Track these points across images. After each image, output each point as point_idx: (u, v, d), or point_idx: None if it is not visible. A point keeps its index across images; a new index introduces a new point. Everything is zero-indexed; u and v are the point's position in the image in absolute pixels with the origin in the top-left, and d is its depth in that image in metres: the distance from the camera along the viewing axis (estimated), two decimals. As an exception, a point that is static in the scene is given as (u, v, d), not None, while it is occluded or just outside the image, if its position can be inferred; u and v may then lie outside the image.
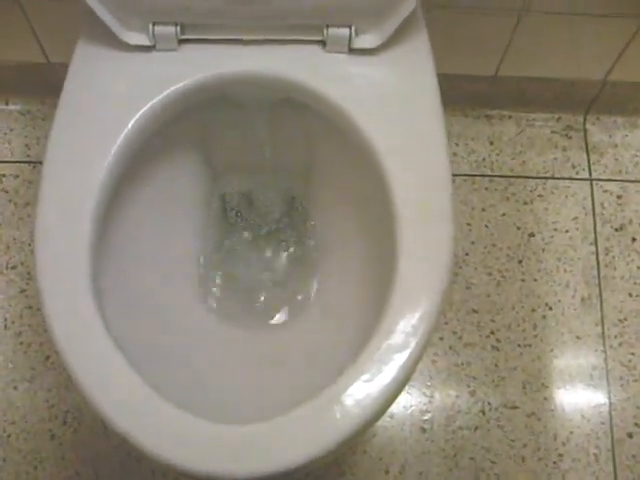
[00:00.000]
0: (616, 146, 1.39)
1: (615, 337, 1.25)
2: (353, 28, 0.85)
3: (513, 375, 1.21)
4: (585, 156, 1.38)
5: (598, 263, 1.29)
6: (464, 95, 1.35)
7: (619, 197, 1.35)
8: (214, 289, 1.03)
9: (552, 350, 1.23)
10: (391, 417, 1.18)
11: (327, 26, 0.85)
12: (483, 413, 1.19)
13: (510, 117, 1.39)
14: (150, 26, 0.85)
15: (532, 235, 1.31)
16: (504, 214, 1.32)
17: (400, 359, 0.71)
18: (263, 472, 0.66)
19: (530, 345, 1.23)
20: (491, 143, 1.38)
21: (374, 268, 0.89)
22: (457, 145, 1.37)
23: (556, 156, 1.37)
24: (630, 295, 1.28)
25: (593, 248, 1.30)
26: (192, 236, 1.03)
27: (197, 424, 0.68)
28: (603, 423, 1.19)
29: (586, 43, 1.22)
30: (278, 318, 1.03)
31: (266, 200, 1.10)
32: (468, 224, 1.31)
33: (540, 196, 1.34)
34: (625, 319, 1.26)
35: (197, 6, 0.83)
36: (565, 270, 1.29)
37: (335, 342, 0.90)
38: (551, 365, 1.22)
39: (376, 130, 0.82)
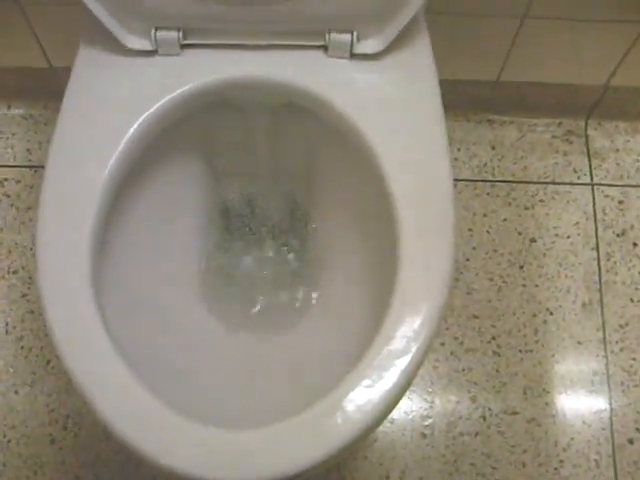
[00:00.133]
0: (618, 151, 1.39)
1: (616, 342, 1.24)
2: (355, 33, 0.85)
3: (514, 381, 1.21)
4: (587, 161, 1.38)
5: (599, 268, 1.29)
6: (466, 100, 1.35)
7: (620, 202, 1.35)
8: (215, 293, 1.03)
9: (553, 355, 1.23)
10: (392, 422, 1.18)
11: (329, 31, 0.85)
12: (484, 419, 1.19)
13: (512, 122, 1.40)
14: (152, 31, 0.85)
15: (533, 240, 1.31)
16: (505, 219, 1.32)
17: (401, 364, 0.71)
18: (264, 478, 0.66)
19: (531, 350, 1.23)
20: (493, 148, 1.38)
21: (375, 273, 0.89)
22: (459, 150, 1.37)
23: (558, 161, 1.37)
24: (631, 300, 1.27)
25: (594, 253, 1.30)
26: (193, 240, 1.03)
27: (197, 429, 0.68)
28: (604, 429, 1.19)
29: (587, 48, 1.22)
30: (278, 322, 1.03)
31: (267, 204, 1.10)
32: (469, 229, 1.31)
33: (541, 201, 1.34)
34: (626, 324, 1.26)
35: (199, 11, 0.83)
36: (566, 275, 1.29)
37: (336, 347, 0.90)
38: (552, 371, 1.22)
39: (377, 135, 0.82)
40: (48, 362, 1.20)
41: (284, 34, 0.86)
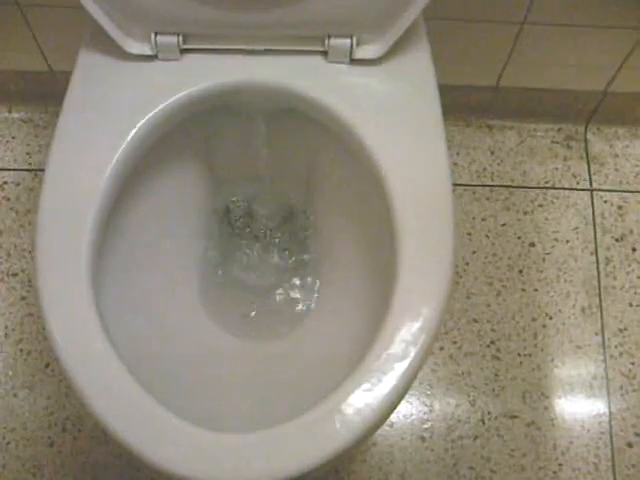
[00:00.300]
0: (617, 156, 1.39)
1: (615, 347, 1.25)
2: (355, 39, 0.85)
3: (513, 384, 1.21)
4: (586, 166, 1.38)
5: (598, 273, 1.29)
6: (465, 105, 1.35)
7: (619, 207, 1.35)
8: (214, 297, 1.03)
9: (552, 360, 1.23)
10: (391, 426, 1.18)
11: (329, 36, 0.85)
12: (483, 422, 1.19)
13: (511, 127, 1.40)
14: (152, 36, 0.85)
15: (532, 245, 1.31)
16: (505, 224, 1.32)
17: (400, 368, 0.71)
18: (262, 481, 0.67)
19: (530, 355, 1.23)
20: (492, 153, 1.38)
21: (374, 277, 0.89)
22: (458, 155, 1.37)
23: (557, 166, 1.38)
24: (630, 305, 1.28)
25: (593, 258, 1.31)
26: (193, 244, 1.03)
27: (196, 433, 0.68)
28: (603, 433, 1.19)
29: (587, 54, 1.23)
30: (278, 326, 1.03)
31: (267, 208, 1.10)
32: (469, 234, 1.31)
33: (541, 206, 1.34)
34: (625, 329, 1.26)
35: (199, 16, 0.84)
36: (565, 280, 1.29)
37: (335, 351, 0.90)
38: (551, 375, 1.22)
39: (376, 140, 0.82)
40: (47, 365, 1.20)
41: (284, 39, 0.86)
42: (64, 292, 0.74)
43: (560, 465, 1.17)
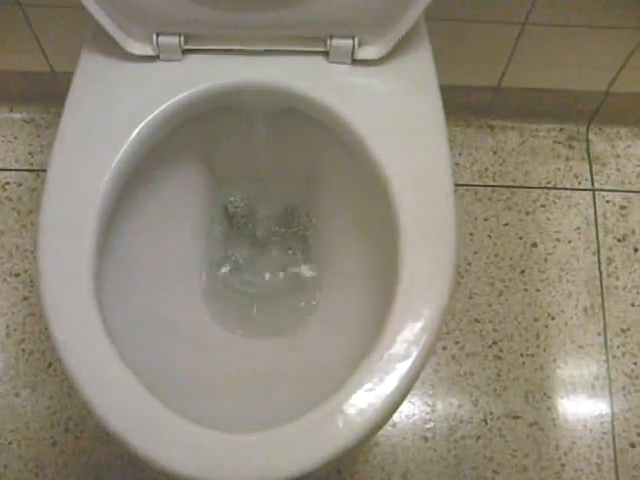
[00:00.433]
0: (619, 156, 1.39)
1: (618, 347, 1.24)
2: (356, 39, 0.85)
3: (515, 385, 1.21)
4: (588, 166, 1.38)
5: (600, 273, 1.29)
6: (467, 105, 1.35)
7: (622, 207, 1.35)
8: (217, 297, 1.03)
9: (555, 360, 1.23)
10: (393, 426, 1.18)
11: (330, 37, 0.85)
12: (485, 422, 1.19)
13: (513, 127, 1.40)
14: (154, 36, 0.85)
15: (535, 245, 1.31)
16: (507, 224, 1.32)
17: (402, 368, 0.71)
18: (265, 481, 0.67)
19: (532, 355, 1.23)
20: (494, 153, 1.38)
21: (377, 277, 0.89)
22: (460, 155, 1.37)
23: (559, 166, 1.38)
24: (633, 305, 1.27)
25: (595, 258, 1.30)
26: (195, 245, 1.03)
27: (198, 432, 0.68)
28: (605, 433, 1.19)
29: (588, 54, 1.22)
30: (281, 327, 1.03)
31: (269, 209, 1.10)
32: (471, 234, 1.31)
33: (543, 206, 1.34)
34: (628, 329, 1.26)
35: (201, 17, 0.84)
36: (568, 280, 1.29)
37: (338, 351, 0.90)
38: (554, 375, 1.22)
39: (378, 140, 0.82)
40: (49, 365, 1.20)
41: (285, 40, 0.86)
42: (66, 292, 0.74)
43: (562, 465, 1.17)
